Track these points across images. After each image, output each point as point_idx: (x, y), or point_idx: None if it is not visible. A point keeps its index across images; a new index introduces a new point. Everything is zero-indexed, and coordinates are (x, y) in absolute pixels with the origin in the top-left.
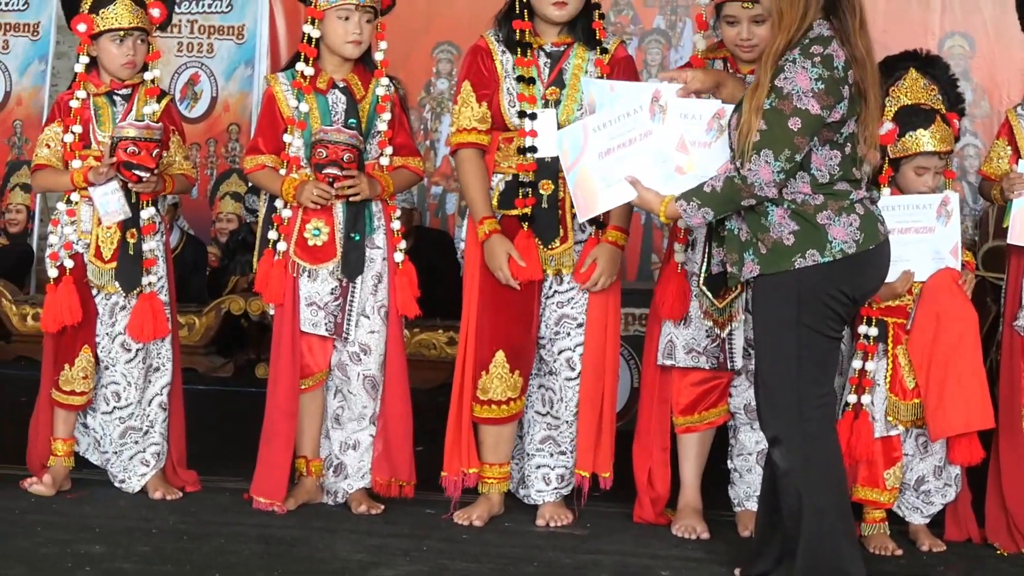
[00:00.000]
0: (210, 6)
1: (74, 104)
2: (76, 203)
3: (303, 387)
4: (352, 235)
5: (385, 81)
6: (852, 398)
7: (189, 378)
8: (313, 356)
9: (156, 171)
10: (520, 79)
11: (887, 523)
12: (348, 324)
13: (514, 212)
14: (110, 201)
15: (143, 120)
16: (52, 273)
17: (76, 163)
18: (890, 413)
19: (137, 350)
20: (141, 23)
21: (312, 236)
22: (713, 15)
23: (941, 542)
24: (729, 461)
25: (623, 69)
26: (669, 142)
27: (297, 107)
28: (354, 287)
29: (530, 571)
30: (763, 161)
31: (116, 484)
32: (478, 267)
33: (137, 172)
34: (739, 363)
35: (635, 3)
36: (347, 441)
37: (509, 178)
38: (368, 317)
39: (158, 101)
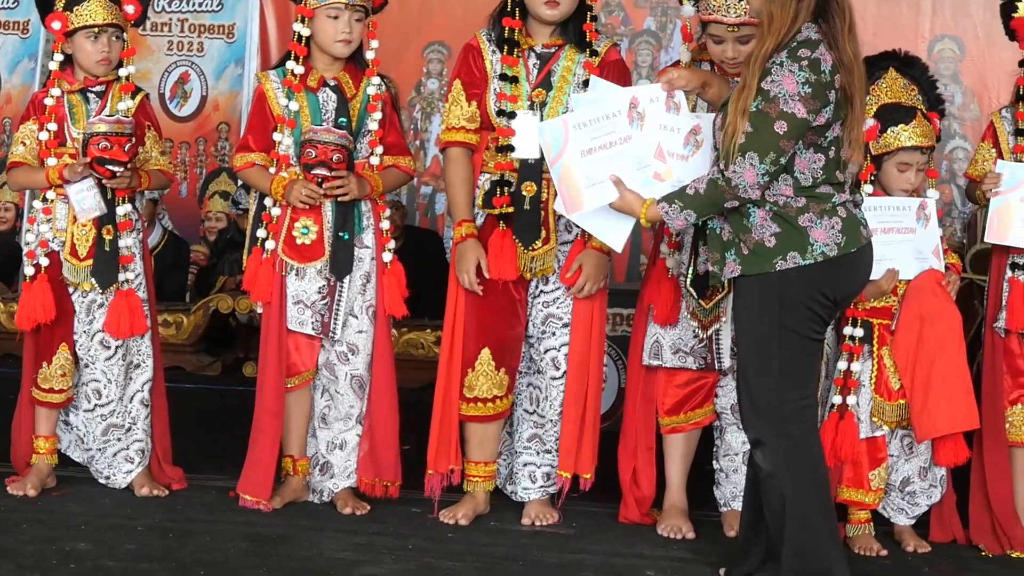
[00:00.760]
0: (200, 5)
1: (48, 102)
2: (52, 201)
3: (290, 386)
4: (341, 234)
5: (376, 80)
6: (837, 399)
7: (177, 376)
8: (300, 355)
9: (129, 166)
10: (503, 77)
11: (872, 524)
12: (335, 323)
13: (493, 211)
14: (85, 198)
15: (114, 115)
16: (28, 271)
17: (51, 161)
18: (875, 414)
19: (116, 347)
20: (116, 20)
21: (301, 235)
22: (699, 28)
23: (926, 543)
24: (715, 461)
25: (614, 72)
26: (648, 148)
27: (287, 105)
28: (342, 286)
29: (515, 570)
30: (748, 163)
31: (101, 481)
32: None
33: (110, 167)
34: (727, 363)
35: (626, 4)
36: (334, 441)
37: (496, 177)
38: (356, 317)
39: (132, 97)
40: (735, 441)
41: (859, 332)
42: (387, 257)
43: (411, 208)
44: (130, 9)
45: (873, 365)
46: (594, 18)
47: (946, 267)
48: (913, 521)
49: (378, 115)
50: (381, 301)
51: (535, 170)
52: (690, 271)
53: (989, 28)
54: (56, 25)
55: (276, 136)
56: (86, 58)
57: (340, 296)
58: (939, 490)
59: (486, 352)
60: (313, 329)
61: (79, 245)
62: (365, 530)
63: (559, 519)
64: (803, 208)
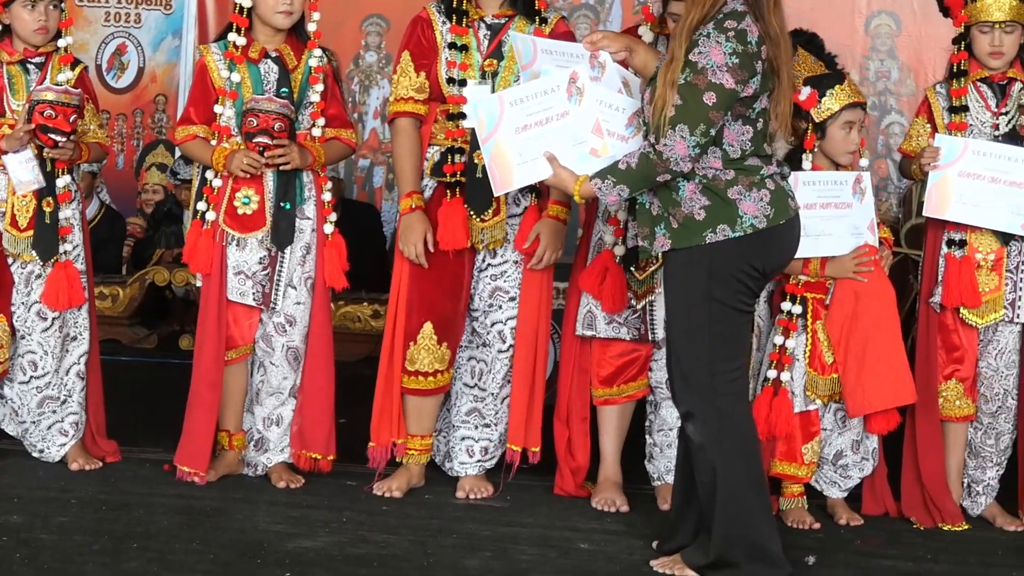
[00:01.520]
0: None
1: None
2: None
3: (227, 359)
4: (282, 204)
5: (318, 52)
6: (772, 373)
7: (112, 349)
8: (239, 327)
9: (73, 136)
10: (452, 46)
11: (805, 497)
12: (276, 294)
13: (444, 179)
14: (24, 170)
15: (61, 85)
16: None
17: None
18: (809, 388)
19: (53, 319)
20: None
21: (242, 205)
22: (660, 7)
23: (859, 516)
24: (648, 435)
25: None
26: (585, 124)
27: (229, 77)
28: (283, 257)
29: (449, 543)
30: (679, 136)
31: (35, 454)
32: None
33: (53, 136)
34: (660, 334)
35: None
36: (270, 417)
37: (446, 147)
38: (295, 288)
39: (72, 69)
40: (669, 415)
41: (797, 308)
42: (328, 229)
43: (349, 181)
44: None
45: (807, 339)
46: None
47: (879, 241)
48: (846, 494)
49: (320, 87)
50: (320, 273)
51: None
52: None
53: (925, 3)
54: None
55: (217, 108)
56: (23, 27)
57: (281, 266)
58: (871, 463)
59: (428, 326)
60: (254, 300)
61: (19, 216)
62: (299, 503)
63: (495, 492)
64: (732, 181)
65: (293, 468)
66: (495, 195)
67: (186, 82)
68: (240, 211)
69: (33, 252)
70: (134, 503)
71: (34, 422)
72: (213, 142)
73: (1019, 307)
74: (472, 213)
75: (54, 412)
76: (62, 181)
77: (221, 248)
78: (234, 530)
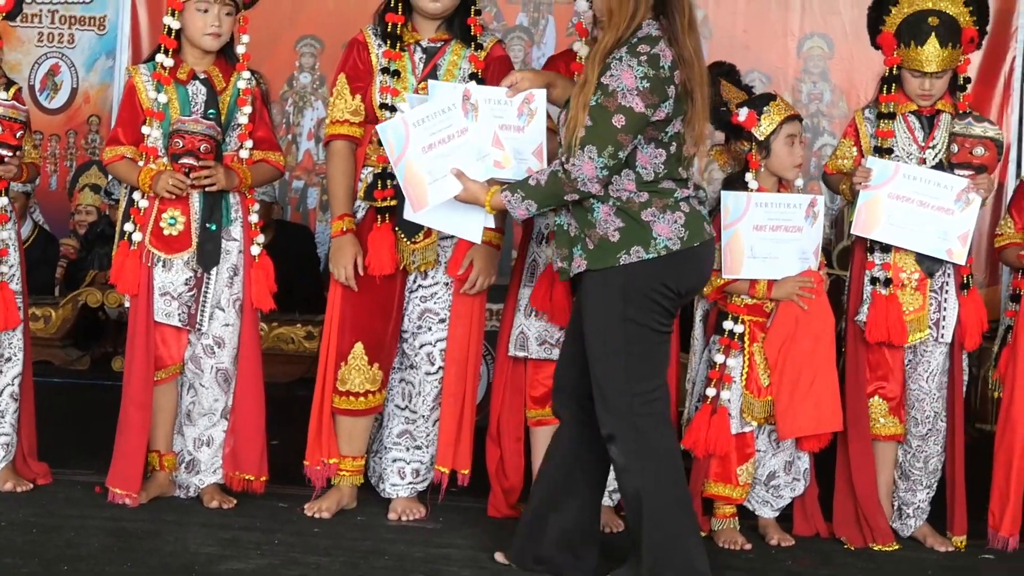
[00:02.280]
0: None
1: None
2: None
3: (157, 379)
4: (208, 225)
5: (247, 74)
6: (711, 392)
7: (45, 371)
8: (167, 348)
9: (19, 153)
10: (385, 71)
11: (737, 518)
12: (202, 316)
13: (375, 204)
14: None
15: (8, 100)
16: None
17: None
18: (745, 410)
19: None
20: None
21: (168, 225)
22: (592, 23)
23: (790, 536)
24: None
25: (498, 68)
26: (485, 138)
27: (156, 98)
28: (209, 278)
29: (381, 565)
30: (587, 157)
31: None
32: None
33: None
34: None
35: (498, 0)
36: (201, 438)
37: (378, 170)
38: (223, 310)
39: (6, 89)
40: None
41: (739, 328)
42: (255, 250)
43: (283, 203)
44: (1, 1)
45: (744, 362)
46: (478, 12)
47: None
48: (777, 514)
49: (248, 109)
50: (248, 294)
51: None
52: None
53: (858, 26)
54: None
55: (145, 129)
56: None
57: (207, 288)
58: (802, 483)
59: (359, 346)
60: (180, 321)
61: None
62: (231, 525)
63: (426, 514)
64: (646, 203)
65: (225, 489)
66: (414, 212)
67: (119, 103)
68: (166, 232)
69: None
70: (65, 525)
71: None
72: (141, 163)
73: (943, 327)
74: (403, 236)
75: None
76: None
77: (148, 269)
78: (165, 552)
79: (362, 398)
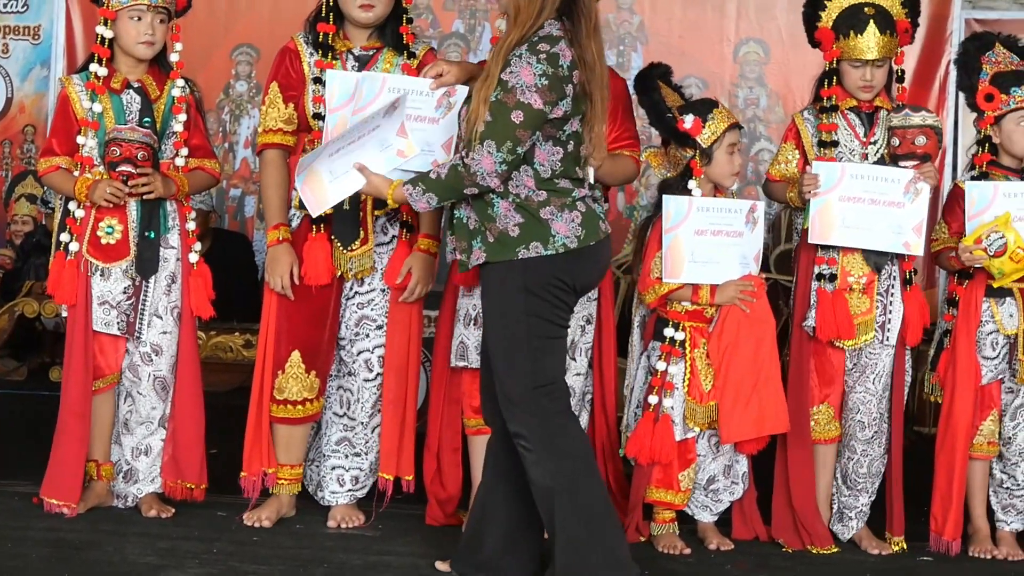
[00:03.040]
0: (5, 6)
1: None
2: None
3: (95, 388)
4: (146, 233)
5: (181, 82)
6: (653, 399)
7: None
8: (105, 357)
9: None
10: (317, 80)
11: (676, 523)
12: (140, 324)
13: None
14: None
15: None
16: None
17: None
18: (688, 417)
19: None
20: None
21: (105, 234)
22: None
23: (729, 540)
24: None
25: None
26: (391, 128)
27: (91, 107)
28: (147, 286)
29: (320, 573)
30: (486, 151)
31: None
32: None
33: None
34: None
35: (434, 7)
36: (139, 447)
37: None
38: (161, 317)
39: None
40: None
41: (680, 335)
42: (193, 258)
43: (220, 211)
44: None
45: (686, 368)
46: (410, 20)
47: None
48: (716, 518)
49: (183, 117)
50: (187, 302)
51: None
52: None
53: (793, 31)
54: None
55: (80, 139)
56: None
57: (145, 296)
58: (741, 487)
59: (296, 355)
60: (119, 329)
61: None
62: (170, 534)
63: (367, 521)
64: (544, 201)
65: (163, 499)
66: (312, 215)
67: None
68: (104, 241)
69: None
70: (3, 536)
71: None
72: (76, 173)
73: (889, 330)
74: (339, 244)
75: None
76: None
77: (85, 278)
78: (104, 562)
79: (300, 406)
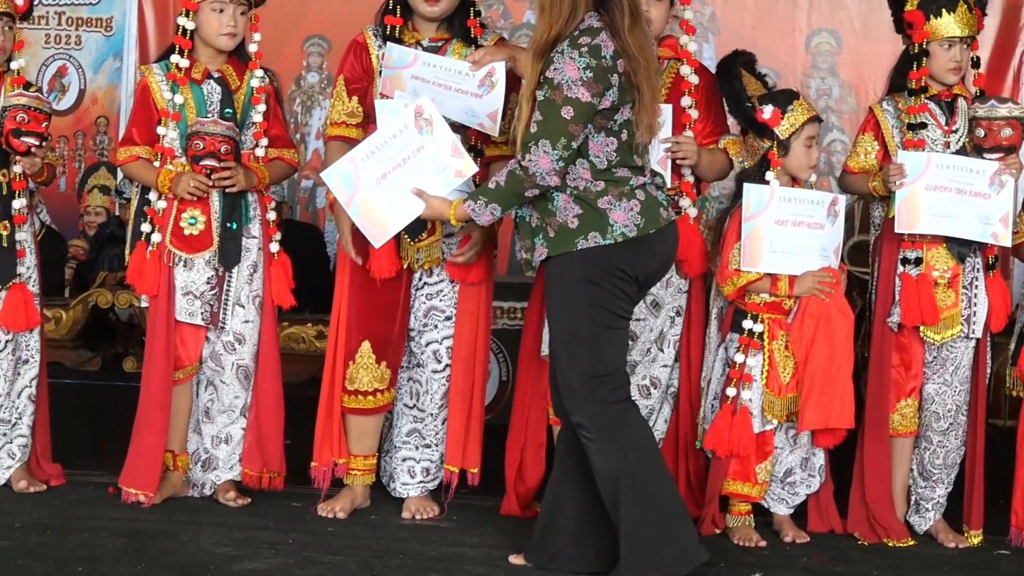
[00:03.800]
0: None
1: None
2: None
3: (174, 379)
4: (228, 224)
5: (260, 73)
6: (731, 391)
7: (56, 372)
8: (185, 348)
9: (46, 142)
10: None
11: (752, 515)
12: (224, 313)
13: None
14: None
15: (33, 92)
16: None
17: None
18: (766, 409)
19: (7, 342)
20: (7, 9)
21: (188, 225)
22: None
23: (805, 533)
24: None
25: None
26: (443, 149)
27: (172, 99)
28: (230, 276)
29: (395, 564)
30: (542, 151)
31: None
32: (349, 258)
33: (27, 139)
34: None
35: None
36: (219, 435)
37: None
38: (243, 306)
39: (25, 90)
40: None
41: (759, 327)
42: (274, 248)
43: (292, 202)
44: (19, 1)
45: (764, 360)
46: (477, 13)
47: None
48: (792, 511)
49: (262, 107)
50: (268, 291)
51: None
52: None
53: (865, 21)
54: None
55: (160, 130)
56: None
57: (228, 286)
58: (818, 479)
59: (366, 345)
60: (203, 319)
61: None
62: (245, 525)
63: (441, 513)
64: (602, 192)
65: (241, 488)
66: (376, 247)
67: (127, 104)
68: (187, 232)
69: None
70: (78, 526)
71: None
72: (156, 163)
73: (974, 323)
74: (406, 236)
75: (4, 435)
76: (18, 203)
77: (168, 269)
78: (179, 553)
79: (371, 397)
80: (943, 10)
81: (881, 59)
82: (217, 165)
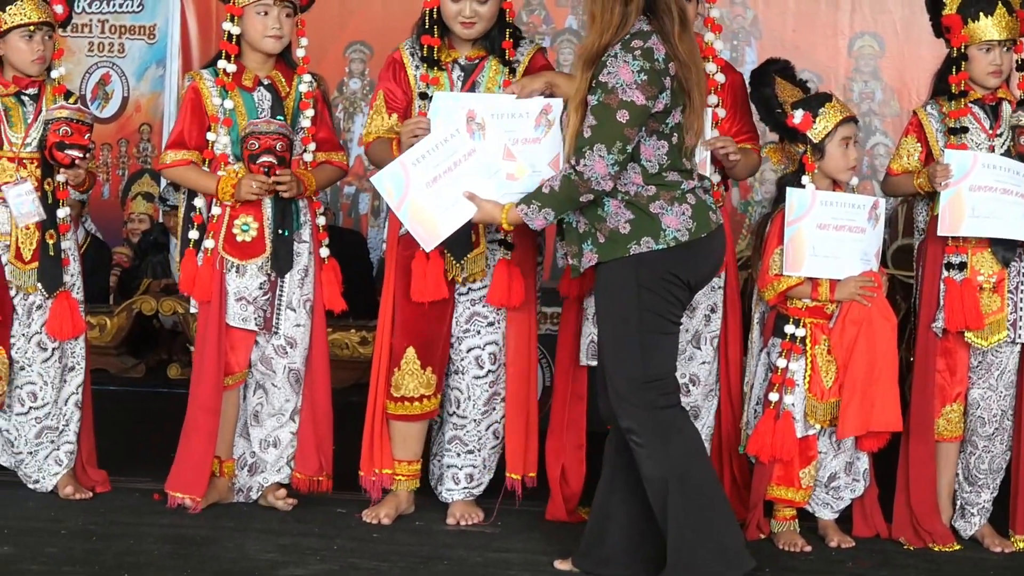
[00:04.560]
0: (121, 6)
1: None
2: None
3: (224, 385)
4: (280, 231)
5: (308, 78)
6: (774, 396)
7: (100, 378)
8: (235, 354)
9: (89, 154)
10: (423, 96)
11: (797, 520)
12: (278, 318)
13: None
14: (24, 203)
15: (75, 104)
16: None
17: None
18: (809, 414)
19: (53, 349)
20: (48, 18)
21: (241, 231)
22: None
23: (849, 538)
24: None
25: None
26: (494, 154)
27: (222, 104)
28: (282, 281)
29: (440, 569)
30: (597, 155)
31: (30, 485)
32: (395, 263)
33: (71, 152)
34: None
35: (547, 3)
36: (267, 439)
37: None
38: (294, 310)
39: (66, 99)
40: None
41: (801, 331)
42: (324, 253)
43: (335, 208)
44: (59, 9)
45: (807, 365)
46: (513, 34)
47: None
48: (836, 515)
49: (310, 112)
50: (318, 296)
51: None
52: None
53: (908, 24)
54: None
55: (210, 135)
56: (20, 57)
57: (281, 291)
58: (862, 484)
59: (411, 351)
60: (256, 324)
61: (23, 248)
62: (290, 531)
63: (484, 519)
64: (654, 196)
65: (288, 491)
66: (427, 251)
67: (170, 111)
68: (239, 238)
69: (39, 284)
70: (124, 533)
71: (31, 452)
72: (205, 168)
73: (1020, 327)
74: (451, 257)
75: (52, 442)
76: (62, 212)
77: (220, 275)
78: (224, 559)
79: (416, 403)
80: (980, 14)
81: (924, 62)
82: (275, 162)
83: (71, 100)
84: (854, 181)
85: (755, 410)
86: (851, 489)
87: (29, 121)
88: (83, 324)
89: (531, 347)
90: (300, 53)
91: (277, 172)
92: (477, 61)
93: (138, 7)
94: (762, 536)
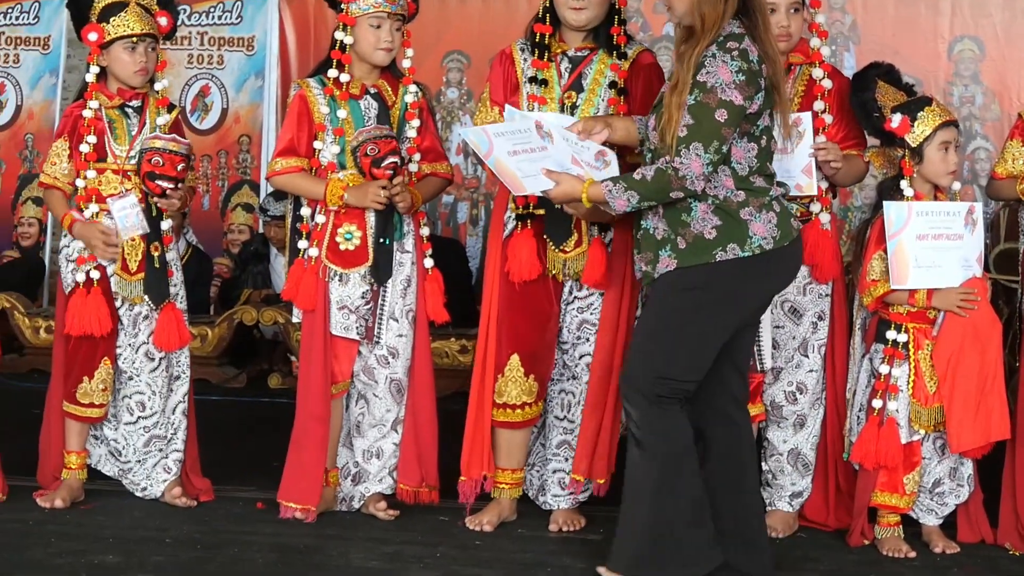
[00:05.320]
0: (220, 18)
1: (87, 114)
2: (95, 215)
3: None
4: (382, 240)
5: (413, 88)
6: (877, 403)
7: (202, 389)
8: (339, 363)
9: (180, 185)
10: (532, 80)
11: (901, 526)
12: (379, 328)
13: (518, 211)
14: (128, 215)
15: (171, 134)
16: (79, 277)
17: (91, 174)
18: (913, 419)
19: (160, 359)
20: (151, 30)
21: (344, 240)
22: None
23: (954, 544)
24: (763, 462)
25: (646, 75)
26: (564, 157)
27: (332, 113)
28: (385, 291)
29: None
30: (693, 154)
31: (137, 493)
32: (497, 271)
33: (160, 183)
34: (768, 364)
35: (645, 10)
36: (370, 449)
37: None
38: (397, 320)
39: (168, 112)
40: (776, 439)
41: (903, 337)
42: (428, 263)
43: (433, 217)
44: (163, 21)
45: (910, 370)
46: (623, 22)
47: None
48: (941, 521)
49: (416, 122)
50: (421, 306)
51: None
52: None
53: (1008, 28)
54: (92, 37)
55: (317, 144)
56: (123, 69)
57: (383, 300)
58: (967, 489)
59: (515, 358)
60: (358, 334)
61: (129, 260)
62: (393, 539)
63: (587, 525)
64: (744, 202)
65: (390, 500)
66: (516, 196)
67: (269, 122)
68: (342, 247)
69: (145, 296)
70: (229, 541)
71: (139, 461)
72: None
73: None
74: (551, 244)
75: (160, 451)
76: (166, 224)
77: (324, 284)
78: (329, 567)
79: (519, 410)
80: None
81: None
82: (399, 163)
83: (172, 114)
84: (956, 186)
85: (858, 416)
86: (956, 495)
87: (133, 134)
88: (188, 335)
89: (616, 351)
90: (406, 64)
91: (399, 177)
92: (586, 52)
93: (237, 19)
94: (866, 542)
